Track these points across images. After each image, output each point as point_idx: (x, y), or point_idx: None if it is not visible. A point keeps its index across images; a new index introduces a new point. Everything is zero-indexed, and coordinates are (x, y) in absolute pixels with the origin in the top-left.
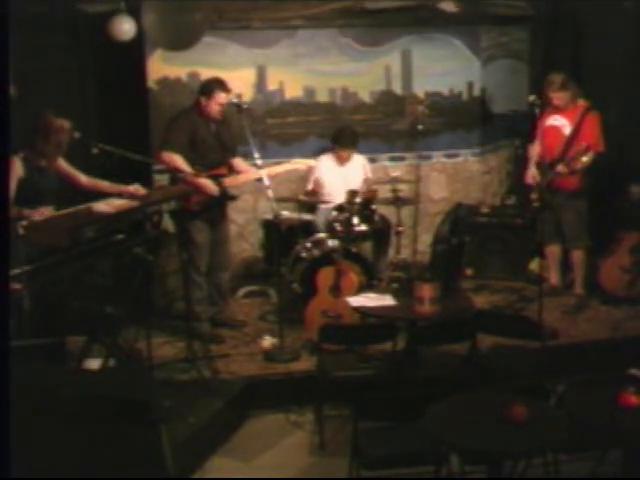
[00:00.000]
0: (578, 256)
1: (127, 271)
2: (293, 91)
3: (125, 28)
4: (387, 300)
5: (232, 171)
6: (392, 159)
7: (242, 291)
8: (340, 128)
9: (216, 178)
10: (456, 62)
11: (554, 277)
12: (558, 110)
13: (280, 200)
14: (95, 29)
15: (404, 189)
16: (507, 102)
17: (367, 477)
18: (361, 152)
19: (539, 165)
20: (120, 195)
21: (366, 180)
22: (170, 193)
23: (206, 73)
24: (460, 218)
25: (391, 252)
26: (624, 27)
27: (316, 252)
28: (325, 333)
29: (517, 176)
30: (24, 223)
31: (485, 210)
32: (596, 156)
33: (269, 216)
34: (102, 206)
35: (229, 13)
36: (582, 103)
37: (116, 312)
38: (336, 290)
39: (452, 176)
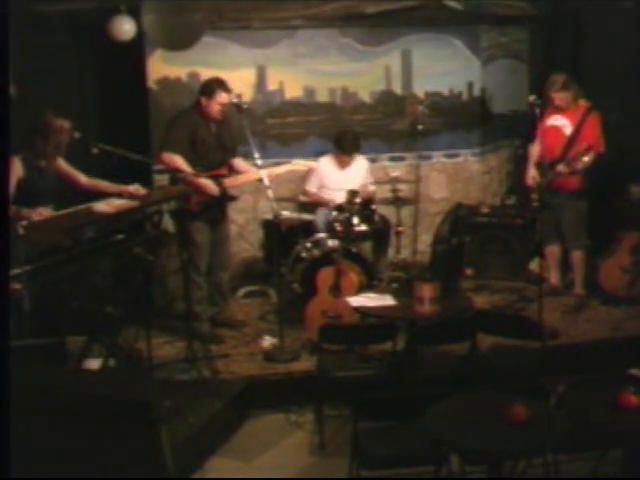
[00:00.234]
0: (578, 256)
1: (127, 271)
2: (293, 91)
3: (125, 28)
4: (387, 300)
5: (232, 171)
6: (392, 159)
7: (242, 291)
8: (342, 132)
9: (216, 178)
10: (456, 62)
11: (554, 277)
12: (559, 110)
13: (280, 200)
14: (95, 29)
15: (404, 189)
16: (507, 102)
17: (367, 477)
18: (361, 152)
19: (539, 165)
20: (120, 195)
21: (364, 185)
22: (170, 193)
23: (206, 73)
24: (460, 218)
25: (391, 252)
26: (624, 27)
27: (316, 252)
28: (325, 333)
29: (517, 176)
30: (24, 223)
31: (485, 210)
32: (596, 156)
33: (269, 216)
34: (102, 206)
35: (229, 13)
36: (583, 103)
37: (116, 312)
38: (336, 290)
39: (452, 176)
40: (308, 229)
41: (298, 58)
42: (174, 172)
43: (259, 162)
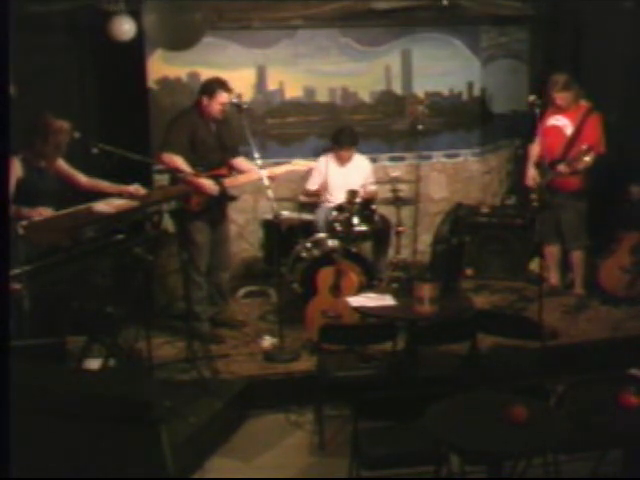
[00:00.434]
0: (578, 256)
1: (127, 271)
2: (293, 91)
3: (125, 28)
4: (387, 300)
5: (233, 171)
6: (392, 159)
7: (242, 291)
8: (339, 128)
9: (216, 178)
10: (456, 62)
11: (554, 277)
12: (560, 110)
13: (280, 200)
14: (95, 29)
15: (404, 189)
16: (507, 102)
17: (367, 477)
18: (361, 152)
19: (539, 165)
20: (120, 195)
21: (364, 184)
22: (170, 193)
23: (206, 73)
24: (460, 218)
25: (391, 252)
26: (624, 27)
27: (316, 252)
28: (325, 333)
29: (517, 176)
30: (24, 223)
31: (485, 210)
32: (597, 157)
33: (269, 216)
34: (102, 206)
35: (229, 13)
36: (584, 104)
37: (116, 312)
38: (336, 290)
39: (452, 176)
40: (308, 229)
41: (298, 58)
42: (174, 172)
43: (259, 162)
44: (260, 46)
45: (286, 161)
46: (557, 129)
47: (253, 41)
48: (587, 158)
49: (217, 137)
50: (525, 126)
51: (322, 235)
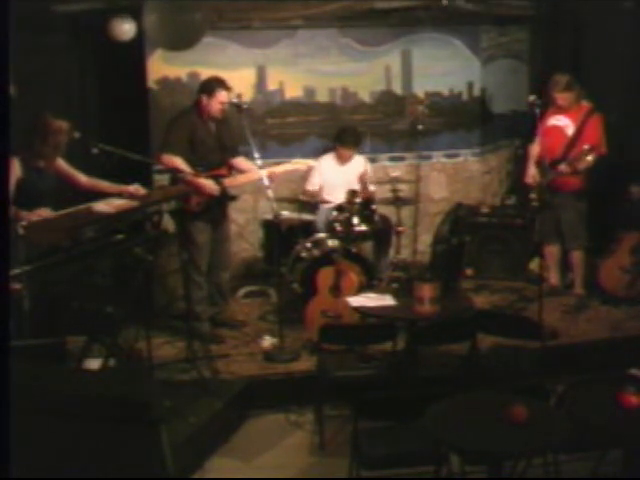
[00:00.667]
0: (577, 256)
1: (127, 271)
2: (293, 91)
3: (125, 28)
4: (387, 300)
5: (234, 171)
6: (392, 159)
7: (242, 291)
8: (343, 127)
9: (216, 178)
10: (456, 62)
11: (554, 277)
12: (561, 110)
13: (280, 200)
14: (95, 29)
15: (404, 189)
16: (507, 102)
17: (367, 477)
18: (361, 152)
19: (539, 165)
20: (120, 195)
21: (362, 179)
22: (170, 193)
23: (206, 73)
24: (460, 218)
25: (391, 252)
26: (624, 27)
27: (316, 252)
28: (325, 333)
29: (517, 176)
30: (24, 223)
31: (485, 210)
32: (598, 157)
33: (269, 216)
34: (102, 206)
35: (229, 13)
36: (586, 104)
37: (116, 312)
38: (336, 290)
39: (452, 176)
40: (308, 229)
41: (298, 58)
42: (174, 172)
43: (259, 162)
44: (260, 46)
45: (286, 161)
46: (558, 129)
47: (253, 41)
48: (589, 158)
49: (217, 137)
50: (525, 126)
51: (322, 235)
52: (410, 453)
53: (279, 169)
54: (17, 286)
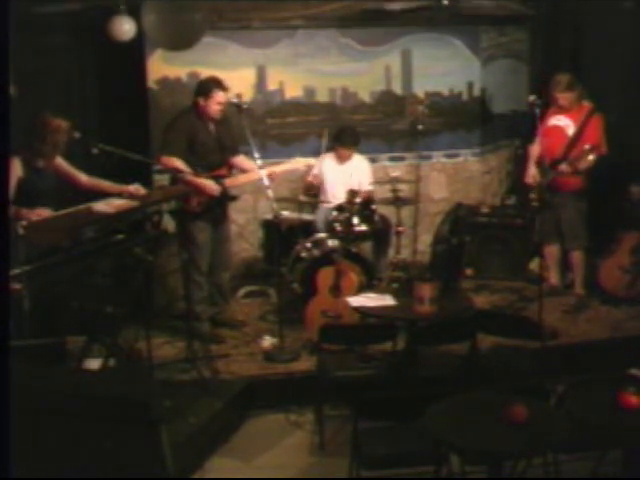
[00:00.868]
0: (577, 256)
1: (127, 271)
2: (293, 91)
3: (125, 28)
4: (387, 300)
5: (233, 170)
6: (392, 159)
7: (242, 291)
8: (342, 127)
9: (217, 179)
10: (456, 62)
11: (554, 277)
12: (562, 110)
13: (280, 200)
14: (95, 29)
15: (404, 189)
16: (507, 102)
17: (367, 477)
18: (361, 152)
19: (539, 165)
20: (120, 195)
21: (361, 183)
22: (170, 193)
23: (206, 73)
24: (460, 218)
25: (391, 252)
26: (624, 27)
27: (316, 252)
28: (325, 333)
29: (517, 176)
30: (24, 223)
31: (485, 210)
32: (598, 158)
33: (269, 216)
34: (102, 206)
35: (229, 13)
36: (587, 104)
37: (116, 312)
38: (336, 290)
39: (452, 176)
40: (308, 229)
41: (298, 58)
42: (174, 172)
43: (259, 162)
44: (260, 46)
45: (286, 161)
46: (559, 129)
47: (253, 41)
48: (590, 158)
49: (216, 138)
50: (525, 126)
51: (322, 235)
52: (410, 453)
53: (279, 169)
54: (17, 286)
